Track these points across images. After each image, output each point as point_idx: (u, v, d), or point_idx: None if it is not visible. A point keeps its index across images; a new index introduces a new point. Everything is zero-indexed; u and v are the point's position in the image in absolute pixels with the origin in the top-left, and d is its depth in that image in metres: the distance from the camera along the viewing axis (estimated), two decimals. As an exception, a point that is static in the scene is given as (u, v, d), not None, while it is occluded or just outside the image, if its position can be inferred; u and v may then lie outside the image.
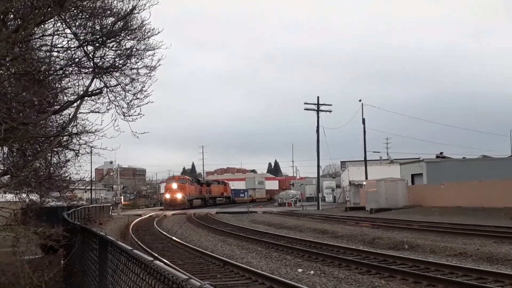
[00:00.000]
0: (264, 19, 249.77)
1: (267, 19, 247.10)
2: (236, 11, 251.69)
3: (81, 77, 12.48)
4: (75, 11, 10.77)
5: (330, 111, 61.36)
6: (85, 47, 11.87)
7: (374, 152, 77.37)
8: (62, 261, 13.59)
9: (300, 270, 15.79)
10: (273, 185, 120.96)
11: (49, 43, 11.93)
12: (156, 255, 17.48)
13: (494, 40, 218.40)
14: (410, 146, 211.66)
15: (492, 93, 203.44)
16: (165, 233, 28.88)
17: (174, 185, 69.68)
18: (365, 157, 61.71)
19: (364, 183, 55.47)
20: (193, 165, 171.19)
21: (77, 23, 11.66)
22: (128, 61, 12.34)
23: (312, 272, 15.37)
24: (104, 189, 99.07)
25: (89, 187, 68.01)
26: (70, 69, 12.07)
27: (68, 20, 11.16)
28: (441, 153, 66.98)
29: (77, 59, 12.10)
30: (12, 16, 10.14)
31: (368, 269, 15.17)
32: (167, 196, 70.20)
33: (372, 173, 59.60)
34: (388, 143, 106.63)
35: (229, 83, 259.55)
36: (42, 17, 9.11)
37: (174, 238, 25.57)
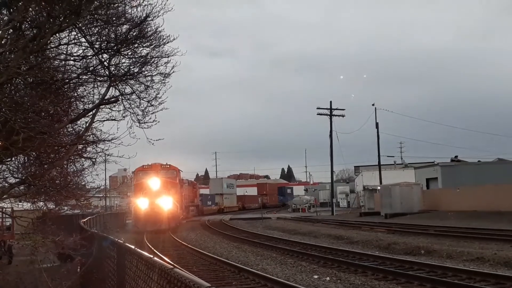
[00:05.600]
0: (270, 24, 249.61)
1: (274, 24, 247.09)
2: (243, 17, 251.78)
3: (96, 85, 12.58)
4: (90, 19, 10.85)
5: (343, 116, 61.21)
6: (100, 55, 11.95)
7: (388, 156, 77.19)
8: (78, 270, 13.65)
9: (316, 276, 15.71)
10: (249, 191, 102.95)
11: (64, 52, 12.04)
12: (172, 263, 17.49)
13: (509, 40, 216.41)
14: (424, 150, 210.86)
15: (507, 95, 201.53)
16: (180, 240, 28.89)
17: (156, 182, 37.87)
18: (379, 162, 61.40)
19: (379, 187, 55.17)
20: (206, 171, 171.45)
21: (92, 32, 11.76)
22: (143, 68, 12.43)
23: (328, 278, 15.29)
24: (118, 197, 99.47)
25: (103, 195, 68.40)
26: (86, 77, 12.17)
27: (83, 29, 11.25)
28: (456, 156, 66.46)
29: (92, 68, 12.20)
30: (28, 25, 10.24)
31: (385, 275, 15.06)
32: (142, 205, 37.31)
33: (386, 178, 59.28)
34: (402, 147, 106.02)
35: (239, 89, 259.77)
36: (59, 26, 9.17)
37: (189, 245, 25.59)
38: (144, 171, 39.87)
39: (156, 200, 36.93)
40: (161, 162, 40.75)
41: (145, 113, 13.03)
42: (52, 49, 11.56)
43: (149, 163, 40.04)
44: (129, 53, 12.23)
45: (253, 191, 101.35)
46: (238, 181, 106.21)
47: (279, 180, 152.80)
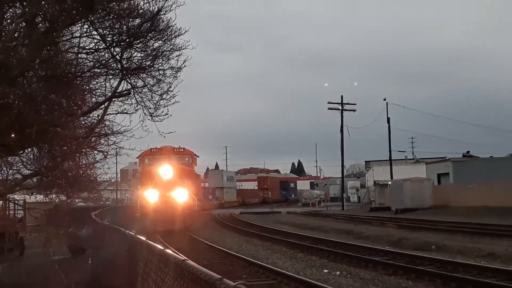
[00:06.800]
0: (283, 20, 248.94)
1: (286, 20, 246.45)
2: (254, 13, 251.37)
3: (108, 79, 12.65)
4: (102, 13, 10.89)
5: (354, 111, 61.01)
6: (112, 48, 12.00)
7: (399, 151, 76.58)
8: (90, 261, 13.76)
9: (326, 270, 15.73)
10: (250, 185, 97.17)
11: (76, 45, 12.09)
12: (183, 255, 17.54)
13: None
14: (436, 145, 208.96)
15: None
16: (190, 233, 28.96)
17: (168, 170, 29.34)
18: (390, 157, 61.18)
19: (389, 182, 54.99)
20: (216, 166, 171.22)
21: (104, 25, 11.80)
22: (155, 61, 12.47)
23: (338, 272, 15.30)
24: (129, 189, 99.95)
25: (114, 188, 68.75)
26: (98, 70, 12.23)
27: (95, 22, 11.29)
28: (468, 152, 66.02)
29: (104, 61, 12.25)
30: (41, 19, 10.29)
31: (395, 270, 15.03)
32: (151, 199, 28.80)
33: (397, 173, 59.03)
34: (414, 142, 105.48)
35: (250, 84, 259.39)
36: (71, 20, 9.22)
37: (199, 238, 25.64)
38: (153, 156, 31.50)
39: (169, 192, 28.98)
40: (173, 145, 31.89)
41: (157, 106, 13.11)
42: (64, 43, 11.62)
43: (158, 146, 30.96)
44: (141, 47, 12.28)
45: (253, 186, 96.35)
46: (237, 176, 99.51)
47: (289, 175, 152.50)
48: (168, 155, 31.03)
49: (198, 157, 34.08)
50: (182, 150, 32.49)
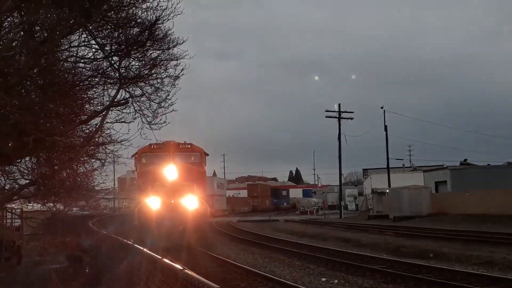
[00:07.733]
0: (278, 27, 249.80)
1: (282, 27, 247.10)
2: (251, 20, 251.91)
3: (106, 88, 12.67)
4: (100, 22, 10.92)
5: (351, 119, 61.09)
6: (110, 57, 12.02)
7: (397, 159, 76.76)
8: (87, 270, 13.72)
9: (323, 279, 15.68)
10: (243, 193, 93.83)
11: (74, 54, 12.10)
12: (181, 265, 17.43)
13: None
14: (433, 153, 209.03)
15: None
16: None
17: (173, 171, 22.67)
18: (387, 165, 61.18)
19: (387, 190, 54.98)
20: (214, 173, 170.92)
21: (102, 34, 11.82)
22: (153, 70, 12.49)
23: (336, 281, 15.26)
24: (126, 198, 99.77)
25: (112, 196, 68.60)
26: (96, 79, 12.26)
27: (93, 31, 11.31)
28: (465, 160, 66.20)
29: (102, 70, 12.27)
30: (39, 28, 10.31)
31: (393, 278, 15.00)
32: (152, 207, 22.51)
33: (395, 181, 59.05)
34: (411, 150, 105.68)
35: (248, 91, 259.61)
36: (69, 28, 9.24)
37: (197, 247, 25.43)
38: (153, 154, 24.92)
39: (174, 198, 23.15)
40: (177, 142, 25.15)
41: (155, 114, 13.13)
42: (62, 52, 11.64)
43: (160, 141, 23.30)
44: (139, 56, 12.30)
45: (243, 194, 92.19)
46: (230, 184, 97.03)
47: (286, 183, 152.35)
48: (171, 152, 24.57)
49: (208, 155, 27.61)
50: (189, 146, 25.84)
